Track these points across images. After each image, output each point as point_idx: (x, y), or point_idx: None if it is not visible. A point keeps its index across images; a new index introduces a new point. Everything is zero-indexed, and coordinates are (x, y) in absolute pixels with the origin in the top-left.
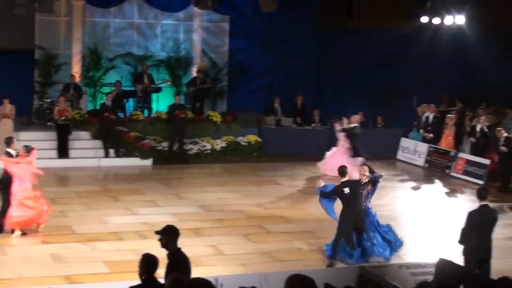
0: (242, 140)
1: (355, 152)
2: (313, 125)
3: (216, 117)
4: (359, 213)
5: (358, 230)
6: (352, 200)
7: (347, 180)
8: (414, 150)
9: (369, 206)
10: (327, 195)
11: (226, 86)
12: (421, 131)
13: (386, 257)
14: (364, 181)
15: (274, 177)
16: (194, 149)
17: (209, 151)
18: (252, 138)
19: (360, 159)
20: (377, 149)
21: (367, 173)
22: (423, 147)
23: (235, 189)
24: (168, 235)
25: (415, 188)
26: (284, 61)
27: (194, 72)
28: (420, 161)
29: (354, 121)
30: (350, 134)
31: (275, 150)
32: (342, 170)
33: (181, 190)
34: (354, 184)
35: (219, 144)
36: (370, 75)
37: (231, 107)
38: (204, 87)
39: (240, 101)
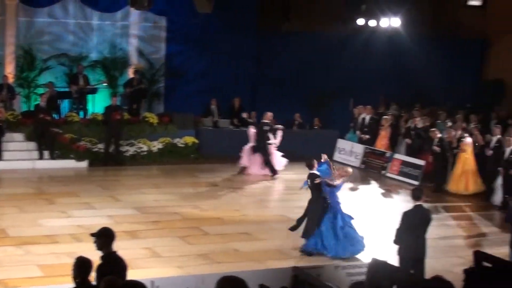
0: (179, 141)
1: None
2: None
3: (152, 118)
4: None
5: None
6: (315, 193)
7: (313, 173)
8: (350, 151)
9: (332, 203)
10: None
11: (163, 87)
12: (358, 132)
13: (329, 254)
14: (317, 181)
15: (211, 178)
16: (130, 150)
17: (145, 153)
18: (189, 139)
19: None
20: (314, 150)
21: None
22: (359, 148)
23: (172, 191)
24: (103, 238)
25: (352, 189)
26: (221, 63)
27: (130, 73)
28: (356, 162)
29: (267, 119)
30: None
31: (212, 152)
32: (310, 163)
33: (117, 192)
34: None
35: (156, 145)
36: (307, 77)
37: (168, 108)
38: (141, 88)
39: (177, 102)
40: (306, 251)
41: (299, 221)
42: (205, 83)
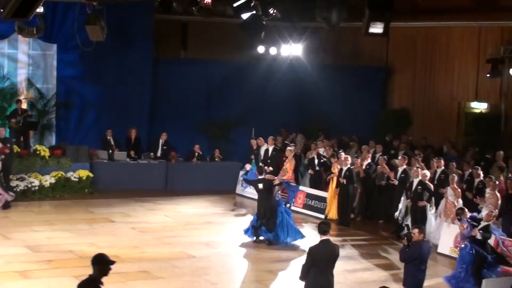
0: (73, 175)
1: None
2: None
3: (44, 151)
4: (270, 205)
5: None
6: (265, 194)
7: (263, 178)
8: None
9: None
10: (248, 183)
11: (55, 118)
12: (261, 164)
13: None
14: (275, 183)
15: (107, 214)
16: (21, 185)
17: (37, 188)
18: (83, 173)
19: None
20: (215, 183)
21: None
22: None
23: (66, 228)
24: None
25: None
26: (116, 92)
27: (21, 104)
28: None
29: None
30: None
31: (108, 186)
32: (261, 170)
33: (7, 230)
34: (268, 182)
35: (48, 180)
36: (207, 106)
37: (61, 140)
38: (27, 119)
39: (70, 134)
40: (275, 243)
41: (257, 228)
42: (99, 113)
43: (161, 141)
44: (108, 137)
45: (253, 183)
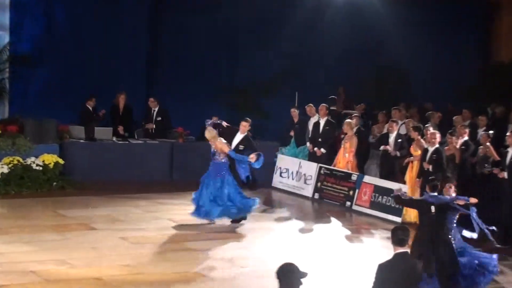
0: (35, 162)
1: None
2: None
3: None
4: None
5: None
6: None
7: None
8: (297, 172)
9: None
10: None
11: (7, 80)
12: (308, 144)
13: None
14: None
15: (85, 218)
16: None
17: None
18: (50, 158)
19: None
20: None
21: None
22: (311, 168)
23: (26, 238)
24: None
25: (302, 231)
26: (98, 42)
27: None
28: (308, 190)
29: None
30: None
31: (86, 177)
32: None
33: None
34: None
35: None
36: (226, 64)
37: (16, 111)
38: None
39: (30, 103)
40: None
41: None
42: (75, 74)
43: (153, 110)
44: (89, 107)
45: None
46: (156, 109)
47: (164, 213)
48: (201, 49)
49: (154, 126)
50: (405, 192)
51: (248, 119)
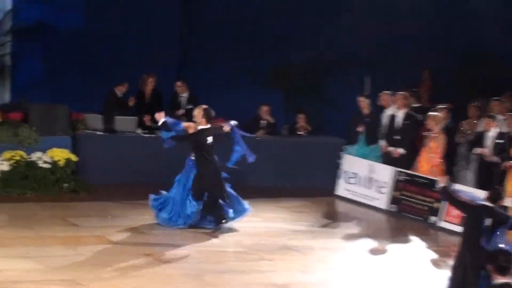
0: (42, 158)
1: None
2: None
3: None
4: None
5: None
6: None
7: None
8: (368, 178)
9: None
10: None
11: (9, 56)
12: (381, 142)
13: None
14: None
15: (102, 229)
16: None
17: None
18: (60, 154)
19: None
20: (299, 175)
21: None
22: (386, 173)
23: (29, 253)
24: None
25: (374, 252)
26: (122, 13)
27: None
28: (381, 200)
29: None
30: None
31: (102, 179)
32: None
33: None
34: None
35: None
36: (277, 41)
37: (19, 95)
38: None
39: (37, 86)
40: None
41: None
42: (93, 51)
43: (180, 96)
44: (118, 94)
45: (194, 138)
46: (185, 95)
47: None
48: (246, 23)
49: (183, 111)
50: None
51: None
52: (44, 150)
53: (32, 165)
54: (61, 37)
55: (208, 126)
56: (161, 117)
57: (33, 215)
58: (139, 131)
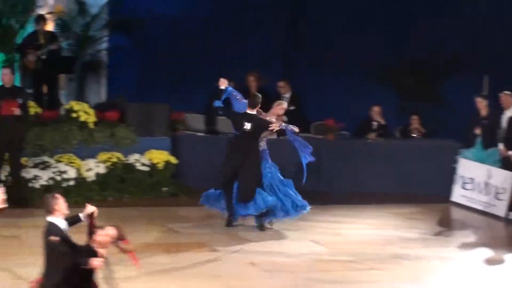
0: (140, 160)
1: None
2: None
3: (86, 113)
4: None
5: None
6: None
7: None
8: (485, 183)
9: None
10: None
11: (106, 53)
12: (500, 145)
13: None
14: (273, 128)
15: (204, 236)
16: (42, 177)
17: (72, 183)
18: (159, 156)
19: None
20: (411, 180)
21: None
22: (505, 179)
23: (126, 261)
24: None
25: (492, 263)
26: (227, 7)
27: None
28: (500, 207)
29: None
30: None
31: (204, 182)
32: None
33: (15, 262)
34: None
35: (93, 168)
36: (389, 37)
37: (115, 94)
38: (55, 53)
39: (135, 83)
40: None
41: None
42: (196, 48)
43: (283, 97)
44: (223, 87)
45: (234, 116)
46: (287, 95)
47: (305, 232)
48: (356, 19)
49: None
50: None
51: None
52: (142, 152)
53: (129, 167)
54: (161, 33)
55: (253, 112)
56: (224, 84)
57: (130, 220)
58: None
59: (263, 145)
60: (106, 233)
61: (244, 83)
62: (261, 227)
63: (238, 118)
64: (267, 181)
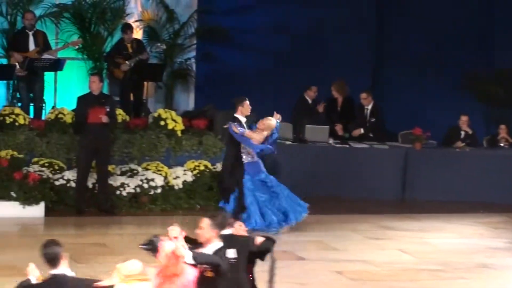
0: None
1: None
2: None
3: (173, 121)
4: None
5: None
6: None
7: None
8: None
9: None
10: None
11: (194, 61)
12: None
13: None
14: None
15: (290, 244)
16: (129, 185)
17: (159, 191)
18: None
19: None
20: (497, 189)
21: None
22: None
23: None
24: None
25: None
26: (314, 17)
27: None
28: None
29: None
30: None
31: (291, 190)
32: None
33: (103, 269)
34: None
35: (181, 176)
36: (474, 44)
37: (204, 101)
38: (142, 61)
39: (221, 91)
40: None
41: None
42: (279, 53)
43: (366, 109)
44: (308, 99)
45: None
46: (369, 106)
47: (391, 241)
48: (440, 29)
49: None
50: None
51: None
52: None
53: (217, 175)
54: (247, 40)
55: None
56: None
57: None
58: (331, 141)
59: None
60: None
61: (330, 93)
62: None
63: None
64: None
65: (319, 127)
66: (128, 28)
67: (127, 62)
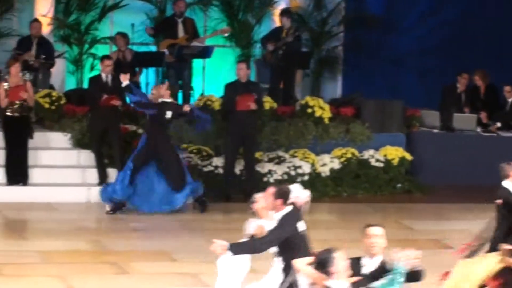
0: (374, 156)
1: None
2: None
3: (321, 109)
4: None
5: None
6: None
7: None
8: None
9: None
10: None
11: (342, 48)
12: None
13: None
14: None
15: (438, 232)
16: (276, 172)
17: (306, 177)
18: (394, 153)
19: None
20: None
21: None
22: None
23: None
24: None
25: None
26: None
27: (276, 20)
28: None
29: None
30: None
31: (438, 179)
32: None
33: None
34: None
35: (328, 164)
36: None
37: (350, 89)
38: (292, 47)
39: (368, 79)
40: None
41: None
42: (434, 43)
43: (508, 101)
44: (459, 85)
45: (151, 106)
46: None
47: None
48: None
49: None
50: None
51: None
52: (376, 148)
53: (364, 163)
54: (397, 28)
55: (170, 100)
56: (125, 79)
57: (364, 216)
58: (479, 129)
59: None
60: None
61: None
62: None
63: (161, 109)
64: None
65: (467, 115)
66: (285, 13)
67: (276, 44)
